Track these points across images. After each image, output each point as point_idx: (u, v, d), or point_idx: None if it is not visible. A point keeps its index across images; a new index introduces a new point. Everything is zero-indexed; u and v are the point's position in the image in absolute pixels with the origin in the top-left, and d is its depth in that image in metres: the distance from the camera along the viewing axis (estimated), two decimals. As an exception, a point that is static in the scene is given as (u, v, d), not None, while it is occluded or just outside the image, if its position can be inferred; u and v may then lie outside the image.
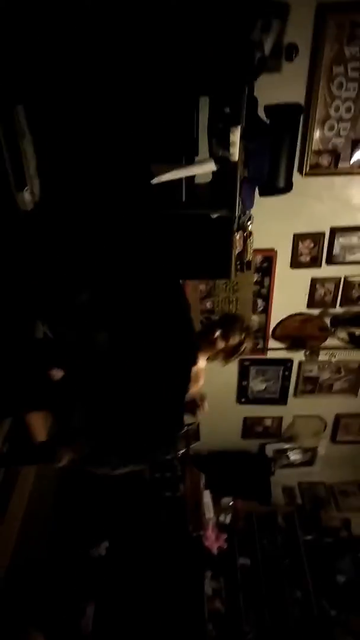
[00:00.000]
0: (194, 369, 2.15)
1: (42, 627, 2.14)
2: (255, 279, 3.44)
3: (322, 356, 3.78)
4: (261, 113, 2.41)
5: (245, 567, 3.77)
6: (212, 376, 3.92)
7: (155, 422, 1.93)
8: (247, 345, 2.22)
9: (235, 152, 2.18)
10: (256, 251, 3.14)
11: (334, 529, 4.17)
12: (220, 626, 3.45)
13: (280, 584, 3.66)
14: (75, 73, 2.15)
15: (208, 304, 3.56)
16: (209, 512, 3.66)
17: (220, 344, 2.17)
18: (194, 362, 2.10)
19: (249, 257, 2.87)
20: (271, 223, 3.10)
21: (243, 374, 3.98)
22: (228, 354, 2.23)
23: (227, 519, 3.95)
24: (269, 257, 3.33)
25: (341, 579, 3.83)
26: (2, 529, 2.22)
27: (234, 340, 2.17)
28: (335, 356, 3.79)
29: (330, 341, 3.70)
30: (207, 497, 3.77)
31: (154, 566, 3.42)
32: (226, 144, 2.19)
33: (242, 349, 2.21)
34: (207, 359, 2.26)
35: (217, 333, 2.16)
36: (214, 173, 2.38)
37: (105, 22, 2.08)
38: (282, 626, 3.47)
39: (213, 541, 3.63)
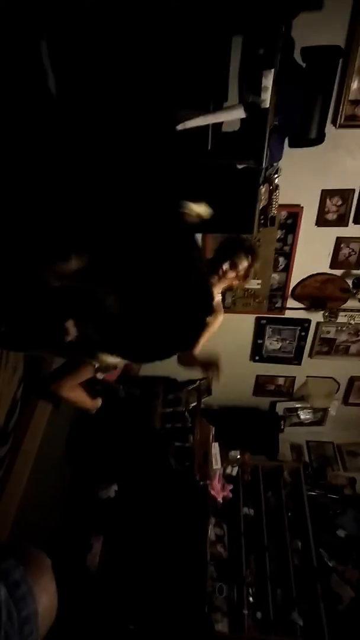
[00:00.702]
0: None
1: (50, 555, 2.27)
2: (278, 236, 3.36)
3: (341, 318, 3.73)
4: (297, 56, 2.26)
5: (249, 516, 3.92)
6: (227, 333, 3.93)
7: None
8: (257, 264, 2.20)
9: (267, 98, 2.06)
10: (281, 206, 3.04)
11: (339, 487, 4.27)
12: (221, 569, 3.64)
13: (281, 534, 3.80)
14: (104, 7, 2.03)
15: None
16: (217, 463, 3.76)
17: (231, 274, 2.15)
18: (210, 312, 2.05)
19: (274, 212, 2.78)
20: (299, 177, 2.98)
21: (259, 332, 3.96)
22: (241, 279, 2.21)
23: (233, 471, 4.07)
24: (294, 214, 3.23)
25: (342, 533, 3.95)
26: (16, 467, 2.31)
27: (243, 265, 2.15)
28: (354, 319, 3.73)
29: (350, 303, 3.63)
30: (215, 448, 3.86)
31: (160, 509, 3.56)
32: (258, 89, 2.07)
33: (252, 270, 2.19)
34: (222, 291, 2.24)
35: (225, 266, 2.14)
36: (242, 121, 2.26)
37: None
38: (281, 573, 3.63)
39: (219, 490, 3.76)
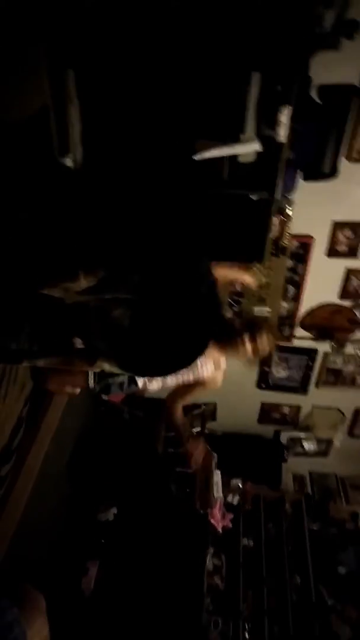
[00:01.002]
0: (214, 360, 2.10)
1: (44, 580, 2.24)
2: (288, 265, 3.38)
3: (349, 349, 3.72)
4: (314, 93, 2.32)
5: (248, 548, 3.84)
6: (232, 360, 3.93)
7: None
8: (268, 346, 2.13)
9: (282, 133, 2.12)
10: (293, 236, 3.08)
11: (341, 521, 4.17)
12: (218, 601, 3.55)
13: (281, 568, 3.71)
14: (127, 42, 2.11)
15: (238, 286, 3.53)
16: (218, 492, 3.70)
17: (248, 347, 2.06)
18: (219, 325, 2.00)
19: (285, 242, 2.82)
20: (311, 208, 3.02)
21: (266, 359, 3.95)
22: (249, 355, 2.13)
23: (234, 499, 4.00)
24: (305, 244, 3.26)
25: (342, 570, 3.85)
26: (17, 487, 2.30)
27: (262, 343, 2.07)
28: (361, 350, 3.73)
29: (358, 334, 3.63)
30: (217, 476, 3.81)
31: (159, 536, 3.50)
32: (274, 124, 2.13)
33: (263, 351, 2.11)
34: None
35: (246, 337, 2.06)
36: (258, 153, 2.31)
37: None
38: (279, 609, 3.53)
39: (219, 519, 3.69)
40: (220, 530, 3.70)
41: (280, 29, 2.01)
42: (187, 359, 1.86)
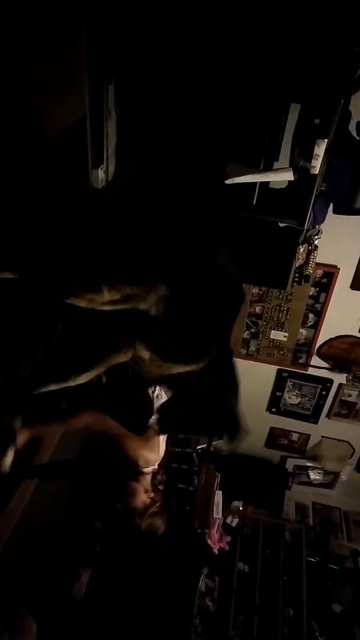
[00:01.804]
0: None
1: (36, 584, 2.23)
2: (311, 293, 3.35)
3: (365, 383, 3.66)
4: (352, 128, 2.30)
5: (243, 573, 3.79)
6: (247, 379, 3.90)
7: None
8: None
9: (317, 166, 2.10)
10: (318, 265, 3.05)
11: (341, 557, 4.09)
12: (207, 624, 3.50)
13: (274, 598, 3.65)
14: (170, 61, 2.14)
15: (257, 309, 3.51)
16: (218, 512, 3.67)
17: None
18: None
19: (310, 271, 2.79)
20: (339, 240, 2.99)
21: (279, 384, 3.92)
22: None
23: (234, 522, 3.96)
24: (330, 274, 3.23)
25: (337, 608, 3.76)
26: (21, 487, 2.31)
27: None
28: (378, 386, 3.66)
29: (376, 370, 3.57)
30: (218, 496, 3.78)
31: (154, 550, 3.48)
32: (309, 156, 2.11)
33: None
34: None
35: None
36: (290, 182, 2.31)
37: (203, 14, 2.05)
38: (269, 639, 3.47)
39: (216, 541, 3.65)
40: (216, 551, 3.66)
41: (323, 62, 2.01)
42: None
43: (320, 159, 2.11)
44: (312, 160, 2.12)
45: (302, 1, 1.97)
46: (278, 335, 3.63)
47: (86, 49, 2.04)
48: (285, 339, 3.65)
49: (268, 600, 3.64)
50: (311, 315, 3.48)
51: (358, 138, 2.30)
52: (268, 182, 2.44)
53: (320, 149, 2.08)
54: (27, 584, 2.47)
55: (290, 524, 4.14)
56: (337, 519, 4.37)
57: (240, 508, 4.00)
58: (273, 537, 4.00)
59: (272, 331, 3.63)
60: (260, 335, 3.68)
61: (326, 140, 2.07)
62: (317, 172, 2.15)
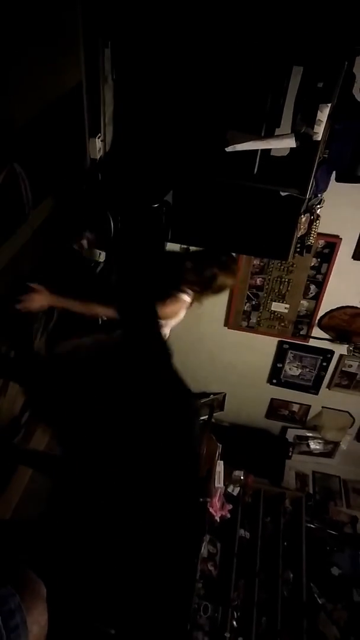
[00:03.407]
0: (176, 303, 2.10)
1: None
2: (312, 263, 3.33)
3: (365, 354, 3.67)
4: (356, 92, 2.23)
5: (244, 539, 3.88)
6: (247, 351, 3.93)
7: None
8: (225, 281, 2.14)
9: (319, 132, 2.05)
10: (319, 235, 3.01)
11: (340, 523, 4.19)
12: (209, 588, 3.61)
13: (274, 563, 3.75)
14: (167, 24, 2.06)
15: (259, 281, 3.49)
16: (219, 482, 3.74)
17: (191, 276, 2.09)
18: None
19: (311, 241, 2.76)
20: (341, 209, 2.94)
21: (280, 356, 3.93)
22: (201, 288, 2.14)
23: (235, 490, 4.04)
24: (332, 244, 3.19)
25: (335, 571, 3.88)
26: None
27: (207, 272, 2.08)
28: (379, 357, 3.67)
29: (377, 341, 3.57)
30: (220, 466, 3.84)
31: (158, 517, 3.55)
32: (312, 121, 2.06)
33: (215, 284, 2.10)
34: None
35: (189, 265, 2.10)
36: (292, 149, 2.25)
37: None
38: (269, 602, 3.58)
39: (218, 509, 3.73)
40: (218, 519, 3.74)
41: (327, 23, 1.93)
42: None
43: (323, 125, 2.07)
44: (315, 126, 2.07)
45: None
46: (279, 307, 3.62)
47: (81, 11, 1.96)
48: (286, 311, 3.64)
49: (268, 565, 3.75)
50: (312, 287, 3.46)
51: (362, 102, 2.23)
52: (269, 150, 2.38)
53: (323, 114, 2.03)
54: (32, 548, 2.54)
55: (291, 492, 4.23)
56: (337, 487, 4.45)
57: (241, 477, 4.07)
58: (273, 505, 4.09)
59: (273, 303, 3.61)
60: (261, 308, 3.67)
61: (329, 104, 2.02)
62: (319, 138, 2.10)
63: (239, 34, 2.07)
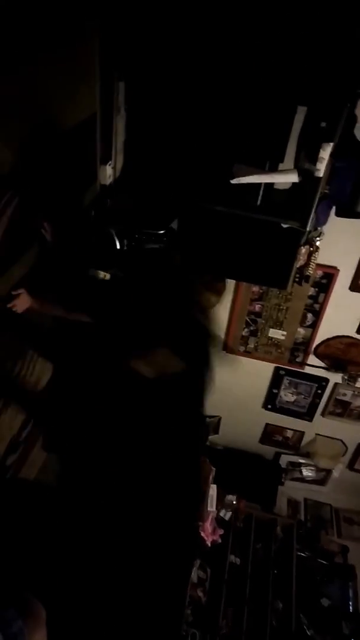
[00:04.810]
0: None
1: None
2: (310, 293, 3.40)
3: (360, 383, 3.72)
4: (357, 132, 2.34)
5: (235, 565, 3.85)
6: (244, 376, 3.97)
7: None
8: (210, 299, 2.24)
9: (321, 169, 2.14)
10: (318, 266, 3.09)
11: (330, 553, 4.16)
12: (198, 614, 3.57)
13: (264, 591, 3.72)
14: (179, 63, 2.17)
15: (257, 307, 3.56)
16: (212, 506, 3.73)
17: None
18: None
19: (310, 272, 2.83)
20: (340, 241, 3.04)
21: (276, 381, 3.97)
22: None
23: (227, 515, 4.02)
24: (330, 275, 3.27)
25: (325, 602, 3.84)
26: (20, 476, 2.36)
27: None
28: (373, 386, 3.72)
29: (371, 370, 3.63)
30: (213, 490, 3.83)
31: (147, 541, 3.53)
32: (314, 158, 2.15)
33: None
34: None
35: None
36: (294, 183, 2.34)
37: (213, 15, 2.08)
38: (258, 631, 3.54)
39: (209, 533, 3.71)
40: (209, 544, 3.71)
41: (330, 66, 2.04)
42: None
43: (325, 162, 2.15)
44: (317, 163, 2.15)
45: (311, 5, 2.00)
46: (276, 333, 3.68)
47: (99, 47, 2.07)
48: (283, 338, 3.70)
49: (258, 593, 3.71)
50: (309, 315, 3.53)
51: (363, 142, 2.34)
52: (272, 183, 2.48)
53: (326, 152, 2.12)
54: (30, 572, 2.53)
55: (282, 519, 4.21)
56: (328, 515, 4.45)
57: (234, 502, 4.05)
58: (265, 531, 4.07)
59: (271, 329, 3.68)
60: (259, 333, 3.73)
61: (332, 143, 2.11)
62: (321, 175, 2.19)
63: (247, 76, 2.18)
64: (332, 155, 2.19)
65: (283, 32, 2.07)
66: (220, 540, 3.77)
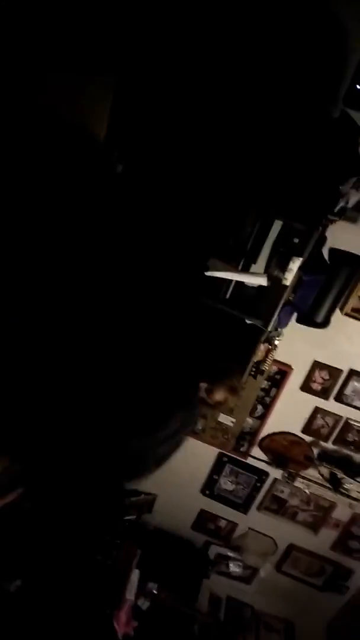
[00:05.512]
0: None
1: None
2: (263, 386, 3.49)
3: (298, 483, 3.73)
4: (325, 251, 2.55)
5: (144, 664, 3.57)
6: (186, 456, 3.91)
7: None
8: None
9: (289, 279, 2.30)
10: (274, 361, 3.21)
11: (245, 661, 3.95)
12: None
13: None
14: (169, 170, 2.34)
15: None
16: (131, 593, 3.52)
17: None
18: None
19: (266, 367, 2.94)
20: (297, 343, 3.19)
21: (217, 467, 3.94)
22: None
23: (144, 605, 3.78)
24: (284, 372, 3.39)
25: None
26: None
27: (218, 396, 2.17)
28: (310, 487, 3.74)
29: (311, 471, 3.67)
30: (135, 575, 3.63)
31: (59, 621, 3.25)
32: (284, 268, 2.32)
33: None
34: None
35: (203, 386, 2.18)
36: (262, 286, 2.49)
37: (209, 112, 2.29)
38: None
39: (123, 624, 3.46)
40: (120, 636, 3.45)
41: (309, 193, 2.26)
42: None
43: (292, 274, 2.32)
44: (286, 273, 2.32)
45: (297, 142, 2.24)
46: (226, 419, 3.71)
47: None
48: (232, 425, 3.72)
49: None
50: (259, 407, 3.59)
51: (329, 262, 2.54)
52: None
53: (295, 265, 2.29)
54: None
55: (201, 617, 4.00)
56: (249, 618, 4.25)
57: (155, 591, 3.84)
58: (182, 628, 3.83)
59: (221, 414, 3.70)
60: (209, 416, 3.74)
61: (301, 258, 2.28)
62: (288, 284, 2.35)
63: (232, 191, 2.37)
64: (300, 268, 2.37)
65: (270, 167, 2.28)
66: (132, 634, 3.52)
